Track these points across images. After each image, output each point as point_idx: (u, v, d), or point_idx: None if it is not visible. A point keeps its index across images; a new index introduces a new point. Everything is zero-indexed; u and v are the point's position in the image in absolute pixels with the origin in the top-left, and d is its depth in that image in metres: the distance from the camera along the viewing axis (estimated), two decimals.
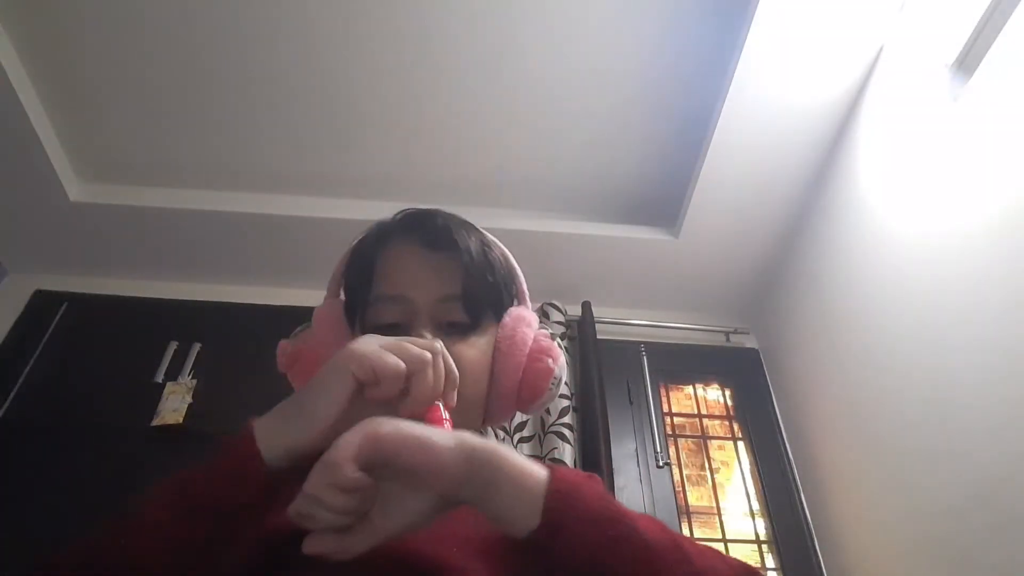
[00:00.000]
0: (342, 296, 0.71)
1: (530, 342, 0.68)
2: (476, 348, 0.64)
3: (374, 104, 1.91)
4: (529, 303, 0.75)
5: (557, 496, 0.46)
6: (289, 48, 1.79)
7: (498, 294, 0.69)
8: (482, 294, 0.66)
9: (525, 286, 0.74)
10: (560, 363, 0.70)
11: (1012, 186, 1.28)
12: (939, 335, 1.45)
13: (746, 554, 1.89)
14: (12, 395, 1.85)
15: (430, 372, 0.51)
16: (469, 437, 0.46)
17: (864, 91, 1.76)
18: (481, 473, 0.46)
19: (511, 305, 0.71)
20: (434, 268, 0.65)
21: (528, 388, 0.67)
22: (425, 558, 0.53)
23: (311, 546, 0.44)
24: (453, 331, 0.63)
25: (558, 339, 2.04)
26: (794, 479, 1.99)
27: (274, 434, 0.50)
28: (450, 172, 2.07)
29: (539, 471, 0.47)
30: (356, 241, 0.72)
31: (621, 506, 0.48)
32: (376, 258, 0.66)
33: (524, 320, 0.70)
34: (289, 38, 1.77)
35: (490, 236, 0.73)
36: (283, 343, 0.68)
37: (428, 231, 0.66)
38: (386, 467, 0.44)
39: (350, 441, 0.43)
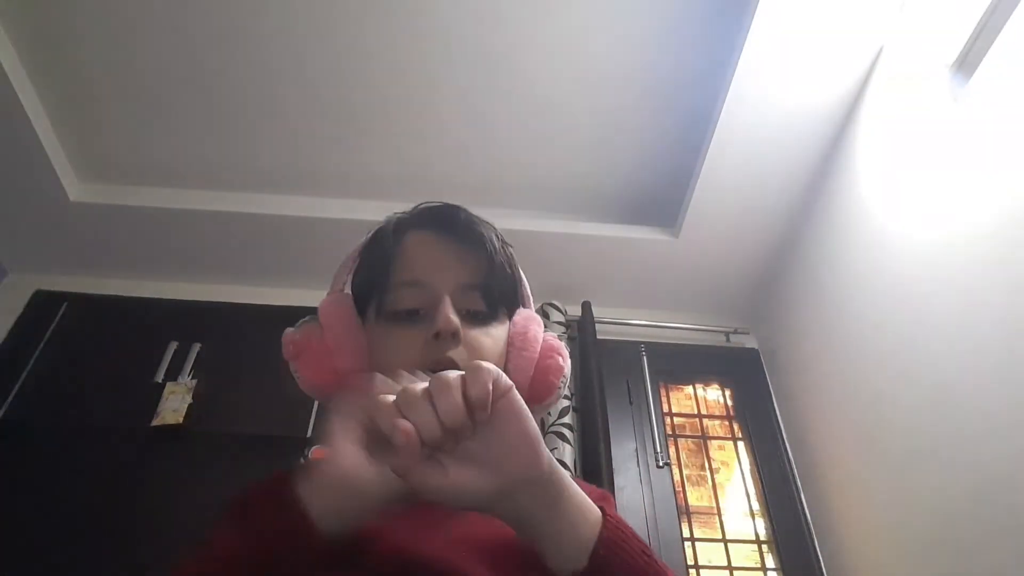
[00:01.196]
0: (347, 291, 0.71)
1: (541, 340, 0.70)
2: (493, 339, 0.65)
3: (374, 104, 1.91)
4: (533, 307, 0.75)
5: (608, 544, 0.46)
6: (289, 49, 1.79)
7: (514, 290, 0.71)
8: (502, 286, 0.67)
9: (529, 291, 0.76)
10: (568, 362, 0.71)
11: (1012, 186, 1.28)
12: (939, 335, 1.45)
13: (746, 554, 1.89)
14: (12, 395, 1.84)
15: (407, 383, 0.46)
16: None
17: (864, 92, 1.76)
18: (550, 490, 0.45)
19: (519, 305, 0.72)
20: (457, 256, 0.65)
21: (540, 384, 0.68)
22: (434, 561, 0.53)
23: (403, 435, 0.40)
24: (471, 319, 0.64)
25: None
26: (794, 479, 1.99)
27: (315, 492, 0.47)
28: (450, 172, 2.07)
29: (594, 512, 0.48)
30: (369, 235, 0.73)
31: (656, 562, 0.49)
32: (397, 245, 0.67)
33: (534, 319, 0.71)
34: (289, 39, 1.77)
35: None
36: (289, 332, 0.67)
37: (451, 221, 0.67)
38: (488, 423, 0.42)
39: (490, 366, 0.42)
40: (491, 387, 0.42)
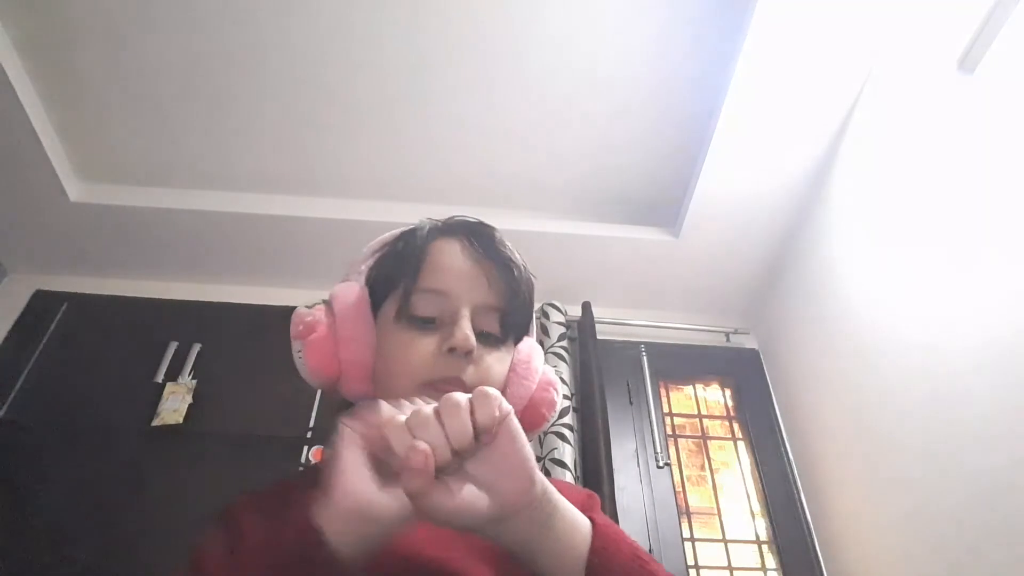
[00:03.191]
0: (362, 282, 0.70)
1: (540, 372, 0.71)
2: (501, 363, 0.66)
3: (375, 105, 1.90)
4: (535, 336, 0.77)
5: (600, 553, 0.48)
6: (290, 48, 1.78)
7: (528, 320, 0.71)
8: (519, 314, 0.67)
9: (535, 322, 0.77)
10: (561, 397, 0.73)
11: (1014, 182, 1.28)
12: (939, 335, 1.45)
13: (746, 554, 1.89)
14: (12, 395, 1.84)
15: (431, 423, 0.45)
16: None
17: (864, 88, 1.76)
18: (544, 509, 0.46)
19: (527, 335, 0.73)
20: (485, 275, 0.65)
21: (532, 415, 0.69)
22: (432, 560, 0.53)
23: (414, 461, 0.41)
24: (483, 340, 0.64)
25: (556, 343, 2.04)
26: (794, 479, 1.99)
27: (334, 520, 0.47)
28: (451, 172, 2.07)
29: (584, 523, 0.49)
30: (397, 232, 0.72)
31: (647, 563, 0.50)
32: (427, 250, 0.66)
33: (537, 350, 0.72)
34: (290, 39, 1.77)
35: None
36: (300, 310, 0.67)
37: (484, 240, 0.67)
38: (487, 449, 0.44)
39: (497, 392, 0.44)
40: (497, 413, 0.43)
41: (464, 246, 0.66)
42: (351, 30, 1.76)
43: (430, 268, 0.65)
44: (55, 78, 1.80)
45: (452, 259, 0.66)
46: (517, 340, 0.70)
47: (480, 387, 0.44)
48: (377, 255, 0.71)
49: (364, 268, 0.70)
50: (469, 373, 0.61)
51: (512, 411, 0.45)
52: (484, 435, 0.43)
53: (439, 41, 1.78)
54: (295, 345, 0.65)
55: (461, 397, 0.43)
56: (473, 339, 0.60)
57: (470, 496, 0.43)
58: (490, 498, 0.44)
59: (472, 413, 0.43)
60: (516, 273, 0.66)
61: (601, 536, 0.48)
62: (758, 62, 1.67)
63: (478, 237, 0.67)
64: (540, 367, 0.71)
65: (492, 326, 0.65)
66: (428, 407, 0.44)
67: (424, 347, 0.61)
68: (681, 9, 1.73)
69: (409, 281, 0.64)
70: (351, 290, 0.67)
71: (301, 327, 0.65)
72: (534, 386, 0.69)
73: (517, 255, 0.69)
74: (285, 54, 1.80)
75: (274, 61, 1.81)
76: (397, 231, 0.72)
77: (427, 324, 0.63)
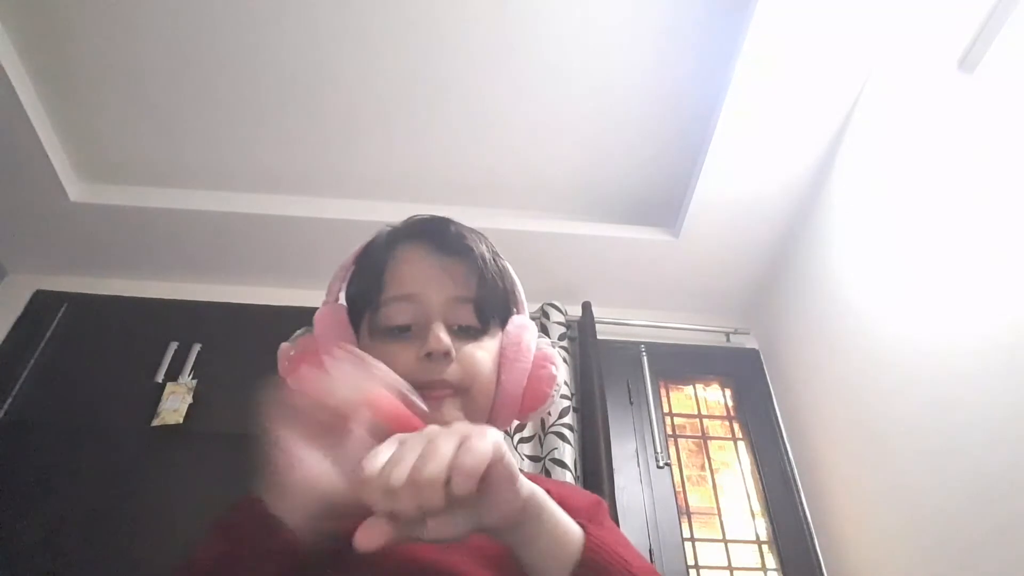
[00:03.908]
0: (342, 300, 0.71)
1: (534, 349, 0.70)
2: (486, 352, 0.65)
3: (375, 104, 1.91)
4: (527, 313, 0.75)
5: (588, 565, 0.47)
6: (290, 48, 1.78)
7: (506, 301, 0.71)
8: (493, 299, 0.67)
9: (523, 296, 0.76)
10: (561, 370, 0.71)
11: (1011, 184, 1.28)
12: (939, 334, 1.45)
13: (746, 554, 1.89)
14: (12, 395, 1.84)
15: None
16: (525, 479, 0.46)
17: (864, 88, 1.76)
18: (526, 530, 0.46)
19: (513, 314, 0.72)
20: (447, 270, 0.65)
21: (532, 393, 0.68)
22: (433, 562, 0.54)
23: (368, 532, 0.41)
24: (463, 334, 0.64)
25: (556, 343, 2.04)
26: (794, 479, 1.99)
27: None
28: (450, 172, 2.07)
29: (575, 536, 0.48)
30: (363, 245, 0.73)
31: (637, 569, 0.50)
32: (387, 260, 0.67)
33: (527, 327, 0.71)
34: (290, 38, 1.77)
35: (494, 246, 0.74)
36: (284, 347, 0.67)
37: (441, 235, 0.67)
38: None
39: (485, 451, 0.41)
40: (475, 484, 0.40)
41: (422, 247, 0.67)
42: (351, 31, 1.75)
43: (393, 278, 0.65)
44: (55, 78, 1.80)
45: (412, 264, 0.66)
46: (503, 323, 0.69)
47: (470, 455, 0.40)
48: (349, 271, 0.72)
49: (342, 286, 0.71)
50: (452, 371, 0.61)
51: (507, 457, 0.43)
52: (461, 499, 0.41)
53: (439, 42, 1.78)
54: (287, 382, 0.66)
55: (435, 469, 0.40)
56: (446, 340, 0.61)
57: (439, 526, 0.42)
58: (467, 521, 0.43)
59: (450, 478, 0.40)
60: (480, 260, 0.66)
61: (591, 550, 0.48)
62: (758, 62, 1.67)
63: (434, 235, 0.67)
64: (532, 343, 0.70)
65: (468, 318, 0.65)
66: (403, 467, 0.41)
67: (404, 356, 0.61)
68: (682, 9, 1.73)
69: (375, 295, 0.65)
70: (329, 313, 0.68)
71: (287, 363, 0.66)
72: (529, 365, 0.68)
73: (477, 240, 0.68)
74: (285, 55, 1.80)
75: (274, 62, 1.81)
76: (359, 246, 0.73)
77: (403, 332, 0.63)
